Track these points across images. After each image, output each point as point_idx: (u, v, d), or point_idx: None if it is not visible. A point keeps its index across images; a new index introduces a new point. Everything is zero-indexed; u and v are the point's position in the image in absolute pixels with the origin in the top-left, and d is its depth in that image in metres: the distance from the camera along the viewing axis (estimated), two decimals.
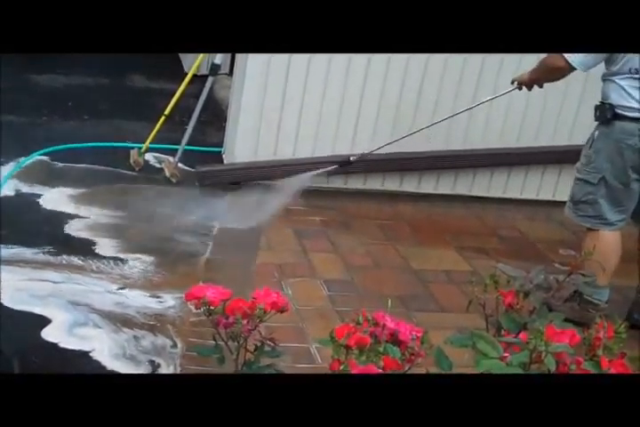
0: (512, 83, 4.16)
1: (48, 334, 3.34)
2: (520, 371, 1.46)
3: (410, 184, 5.45)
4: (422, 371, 1.59)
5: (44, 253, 4.06)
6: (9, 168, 5.22)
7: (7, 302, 3.53)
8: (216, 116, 6.42)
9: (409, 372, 1.57)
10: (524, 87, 4.07)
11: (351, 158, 4.00)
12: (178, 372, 3.10)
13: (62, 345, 3.26)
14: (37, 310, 3.51)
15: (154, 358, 3.23)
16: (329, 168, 3.94)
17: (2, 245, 4.03)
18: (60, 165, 5.44)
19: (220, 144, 5.74)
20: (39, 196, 4.85)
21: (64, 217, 4.57)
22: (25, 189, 4.96)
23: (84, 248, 4.19)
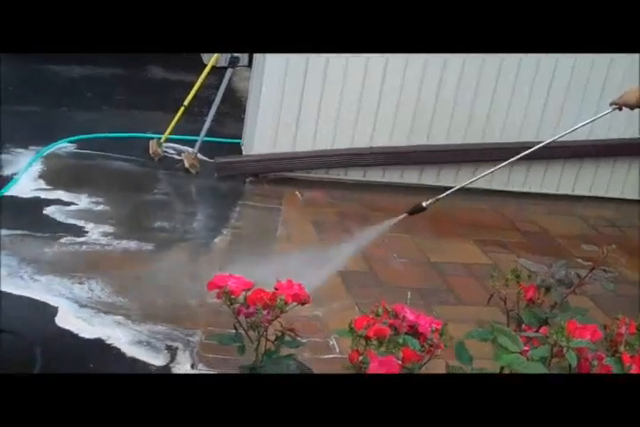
0: (610, 105, 3.98)
1: (63, 320, 3.35)
2: (541, 366, 1.45)
3: (429, 177, 5.44)
4: (442, 363, 1.59)
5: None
6: (29, 157, 5.25)
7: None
8: (235, 107, 6.44)
9: (428, 364, 1.57)
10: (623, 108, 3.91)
11: (424, 204, 3.84)
12: (196, 361, 3.12)
13: (79, 333, 3.27)
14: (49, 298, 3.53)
15: (172, 345, 3.24)
16: (400, 217, 3.86)
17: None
18: (80, 154, 5.47)
19: (239, 135, 5.75)
20: (56, 186, 4.87)
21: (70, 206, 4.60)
22: (43, 179, 4.98)
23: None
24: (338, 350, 3.20)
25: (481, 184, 5.43)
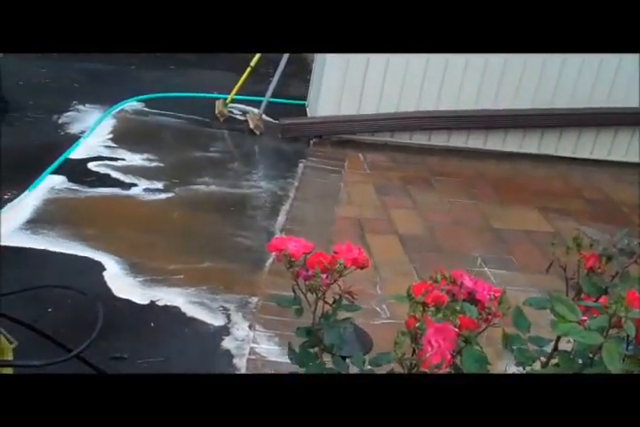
0: None
1: (114, 280, 3.42)
2: (598, 336, 1.43)
3: (495, 142, 5.38)
4: (499, 331, 1.59)
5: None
6: (97, 115, 5.34)
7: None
8: (301, 68, 6.42)
9: (485, 331, 1.56)
10: None
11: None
12: (253, 322, 3.16)
13: (132, 293, 3.33)
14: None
15: (230, 306, 3.29)
16: None
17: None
18: (147, 113, 5.54)
19: (304, 97, 5.75)
20: (122, 144, 4.95)
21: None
22: (109, 138, 5.05)
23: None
24: (388, 315, 3.21)
25: (547, 150, 5.37)
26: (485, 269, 3.72)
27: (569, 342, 1.55)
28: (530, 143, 5.38)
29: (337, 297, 1.68)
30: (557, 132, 5.35)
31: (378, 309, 3.27)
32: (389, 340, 1.47)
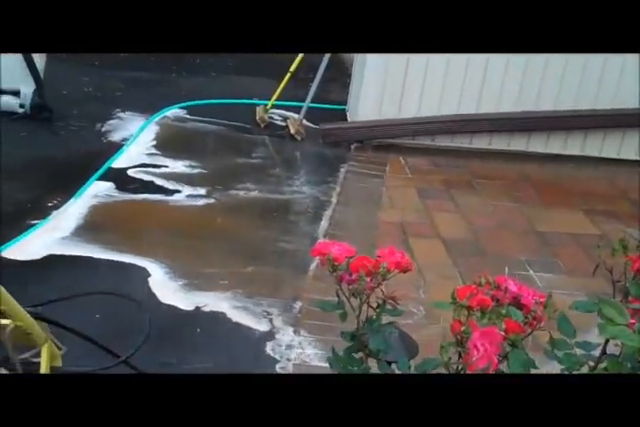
0: None
1: (159, 286, 3.44)
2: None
3: (537, 144, 5.33)
4: (545, 335, 1.57)
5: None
6: (139, 123, 5.39)
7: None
8: (340, 73, 6.43)
9: (531, 336, 1.55)
10: None
11: None
12: (298, 327, 3.16)
13: (179, 303, 3.35)
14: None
15: (274, 311, 3.30)
16: None
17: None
18: (189, 120, 5.59)
19: (344, 102, 5.76)
20: (164, 152, 4.99)
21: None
22: (152, 145, 5.10)
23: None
24: (423, 313, 3.19)
25: (591, 152, 5.31)
26: (531, 272, 3.69)
27: (617, 345, 1.53)
28: (573, 145, 5.33)
29: (380, 302, 1.68)
30: (601, 132, 5.29)
31: (415, 310, 3.25)
32: (421, 338, 1.48)
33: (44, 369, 1.77)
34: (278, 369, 2.90)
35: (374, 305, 1.70)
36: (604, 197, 4.81)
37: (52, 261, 3.53)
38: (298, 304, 3.35)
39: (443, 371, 1.47)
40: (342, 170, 4.94)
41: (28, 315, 1.68)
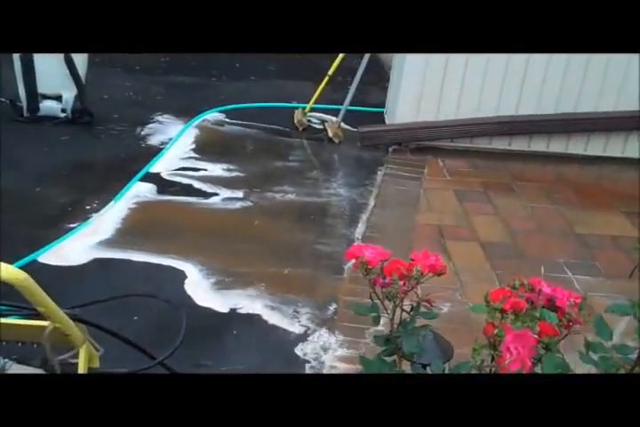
0: None
1: (193, 287, 3.47)
2: None
3: (577, 146, 5.28)
4: (580, 338, 1.56)
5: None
6: (178, 126, 5.44)
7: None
8: (378, 76, 6.43)
9: (566, 339, 1.54)
10: None
11: None
12: (333, 329, 3.17)
13: (215, 305, 3.37)
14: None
15: (308, 313, 3.31)
16: None
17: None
18: (228, 123, 5.62)
19: (382, 104, 5.75)
20: (203, 155, 5.03)
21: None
22: (191, 149, 5.14)
23: None
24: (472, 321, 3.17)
25: (632, 153, 5.24)
26: (569, 275, 3.66)
27: None
28: (614, 146, 5.27)
29: (414, 304, 1.67)
30: None
31: (464, 315, 3.23)
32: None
33: (81, 370, 1.79)
34: (308, 370, 2.91)
35: (409, 308, 1.70)
36: None
37: (90, 265, 3.57)
38: (334, 306, 3.36)
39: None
40: (380, 172, 4.94)
41: (66, 316, 1.70)
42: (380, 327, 1.77)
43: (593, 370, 1.59)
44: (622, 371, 1.58)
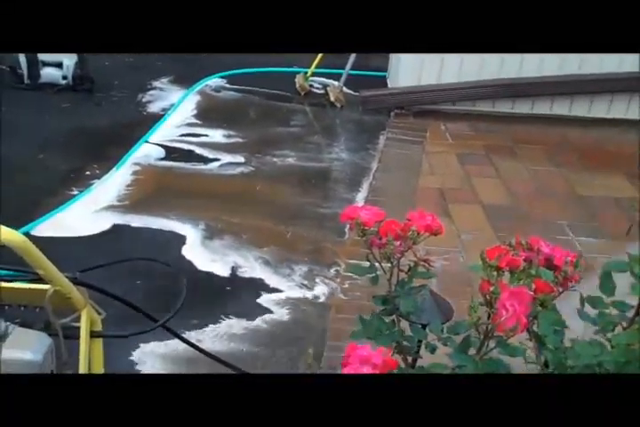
0: None
1: (191, 251, 3.50)
2: None
3: (580, 108, 5.25)
4: (576, 296, 1.56)
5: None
6: (179, 93, 5.42)
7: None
8: None
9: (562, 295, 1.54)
10: None
11: None
12: (335, 289, 3.19)
13: (215, 269, 3.40)
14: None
15: (311, 275, 3.33)
16: None
17: None
18: (230, 89, 5.61)
19: (385, 68, 5.71)
20: (204, 121, 5.02)
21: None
22: (192, 115, 5.13)
23: None
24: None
25: (635, 115, 5.21)
26: (571, 236, 3.67)
27: None
28: (617, 108, 5.24)
29: (412, 264, 1.68)
30: None
31: (465, 277, 3.25)
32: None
33: (83, 333, 1.81)
34: (315, 331, 2.93)
35: (408, 267, 1.70)
36: None
37: (93, 231, 3.60)
38: (336, 268, 3.38)
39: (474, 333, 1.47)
40: (382, 137, 4.93)
41: (67, 280, 1.71)
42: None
43: (590, 328, 1.60)
44: (619, 328, 1.59)
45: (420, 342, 1.69)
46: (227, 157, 4.45)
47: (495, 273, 1.44)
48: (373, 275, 1.68)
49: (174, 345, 2.76)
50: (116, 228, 3.63)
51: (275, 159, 4.50)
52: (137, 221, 3.69)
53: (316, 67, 5.60)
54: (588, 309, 1.60)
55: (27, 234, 3.38)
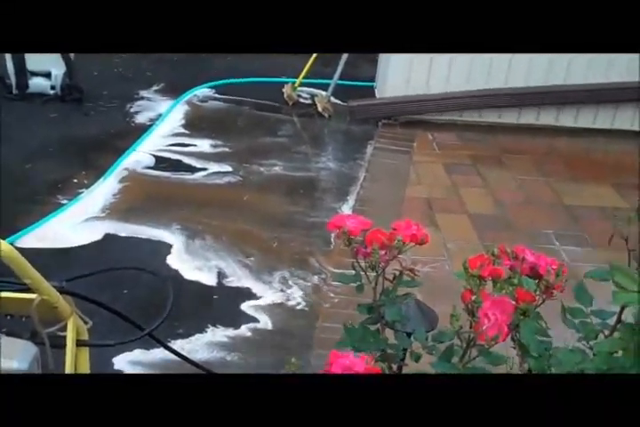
0: None
1: (177, 259, 3.51)
2: None
3: (566, 118, 5.29)
4: (557, 305, 1.57)
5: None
6: (167, 103, 5.43)
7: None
8: None
9: (544, 305, 1.55)
10: None
11: None
12: (322, 299, 3.20)
13: (202, 279, 3.41)
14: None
15: (296, 284, 3.34)
16: None
17: None
18: (218, 99, 5.62)
19: (373, 78, 5.73)
20: (193, 131, 5.03)
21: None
22: (181, 125, 5.14)
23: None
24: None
25: (622, 125, 5.25)
26: (557, 245, 3.69)
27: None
28: (604, 118, 5.28)
29: (397, 273, 1.69)
30: (632, 106, 5.23)
31: (451, 286, 3.25)
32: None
33: (69, 342, 1.81)
34: (303, 342, 2.94)
35: (393, 276, 1.71)
36: (634, 170, 4.75)
37: (81, 241, 3.59)
38: (321, 277, 3.40)
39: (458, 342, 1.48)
40: (370, 146, 4.95)
41: (53, 288, 1.71)
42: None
43: (574, 335, 1.61)
44: (601, 336, 1.61)
45: (404, 350, 1.70)
46: (214, 167, 4.46)
47: (477, 282, 1.45)
48: (359, 283, 1.69)
49: (159, 353, 2.77)
50: (103, 237, 3.63)
51: (262, 169, 4.51)
52: (124, 230, 3.70)
53: (304, 77, 5.62)
54: None
55: (13, 244, 3.39)
